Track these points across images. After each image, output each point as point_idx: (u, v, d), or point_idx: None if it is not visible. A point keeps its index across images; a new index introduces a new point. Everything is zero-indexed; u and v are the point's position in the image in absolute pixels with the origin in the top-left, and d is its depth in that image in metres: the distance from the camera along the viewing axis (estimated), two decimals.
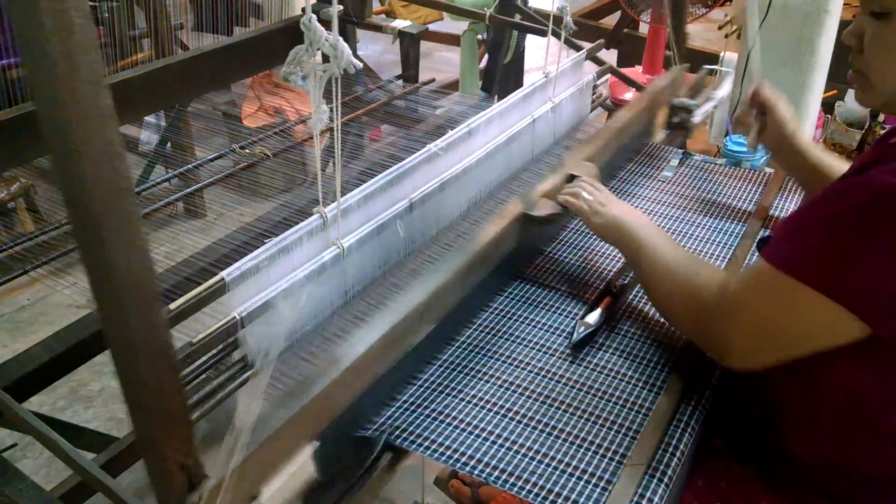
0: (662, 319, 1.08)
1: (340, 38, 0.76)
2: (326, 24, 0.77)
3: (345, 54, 0.77)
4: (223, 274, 0.84)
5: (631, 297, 1.15)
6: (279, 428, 0.74)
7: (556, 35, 1.47)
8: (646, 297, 1.12)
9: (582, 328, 1.04)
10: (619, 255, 1.20)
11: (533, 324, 1.09)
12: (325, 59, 0.78)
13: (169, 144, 2.60)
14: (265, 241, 0.91)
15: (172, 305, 0.80)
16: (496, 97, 2.61)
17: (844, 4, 2.20)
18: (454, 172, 1.16)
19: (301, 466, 0.77)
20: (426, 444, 0.88)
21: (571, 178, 1.20)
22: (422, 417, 0.92)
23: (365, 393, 0.87)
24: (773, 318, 0.83)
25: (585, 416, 0.93)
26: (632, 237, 1.05)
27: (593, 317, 1.06)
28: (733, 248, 1.27)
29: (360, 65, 0.79)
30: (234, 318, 0.83)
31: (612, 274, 1.18)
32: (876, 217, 0.74)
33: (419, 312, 0.92)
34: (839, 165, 1.19)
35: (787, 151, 1.27)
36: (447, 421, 0.92)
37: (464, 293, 1.02)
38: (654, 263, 1.00)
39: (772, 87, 1.32)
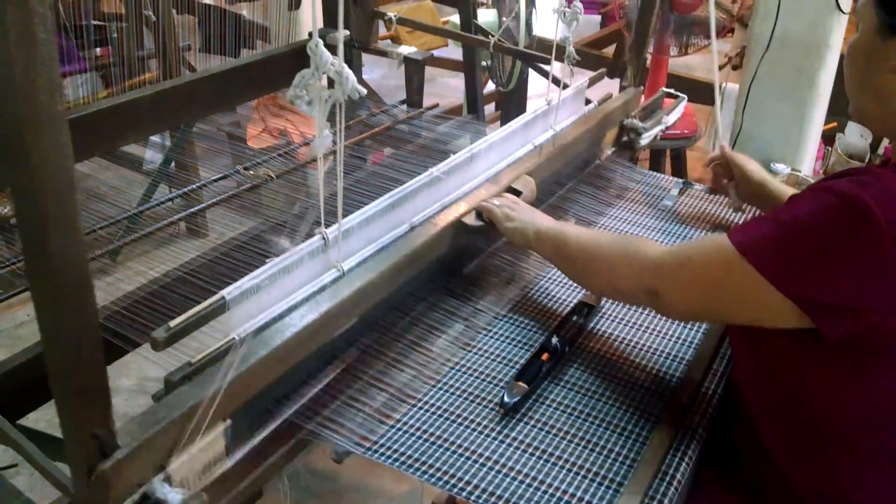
0: (658, 351, 1.08)
1: (345, 66, 0.77)
2: (333, 48, 0.78)
3: (349, 81, 0.78)
4: (224, 293, 0.84)
5: (597, 331, 1.12)
6: (192, 405, 0.76)
7: (560, 57, 1.49)
8: (623, 339, 1.11)
9: (515, 390, 0.97)
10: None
11: (516, 366, 1.05)
12: (331, 83, 0.80)
13: (173, 164, 2.61)
14: (266, 261, 0.91)
15: (173, 322, 0.80)
16: (498, 122, 2.63)
17: (845, 40, 2.23)
18: (455, 197, 1.17)
19: (211, 442, 0.79)
20: (423, 468, 0.88)
21: (511, 191, 1.24)
22: (420, 441, 0.92)
23: (280, 378, 0.89)
24: (714, 283, 0.88)
25: (583, 443, 0.93)
26: (546, 231, 1.10)
27: (527, 377, 1.00)
28: None
29: (364, 91, 0.80)
30: (234, 338, 0.83)
31: (562, 312, 1.16)
32: (835, 224, 0.78)
33: (345, 305, 0.94)
34: None
35: (766, 201, 1.34)
36: (444, 445, 0.91)
37: (391, 290, 1.04)
38: (579, 243, 1.05)
39: (728, 148, 1.43)
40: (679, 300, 0.93)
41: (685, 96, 1.80)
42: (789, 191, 1.30)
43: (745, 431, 0.98)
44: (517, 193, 1.25)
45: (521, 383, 0.99)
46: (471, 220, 1.17)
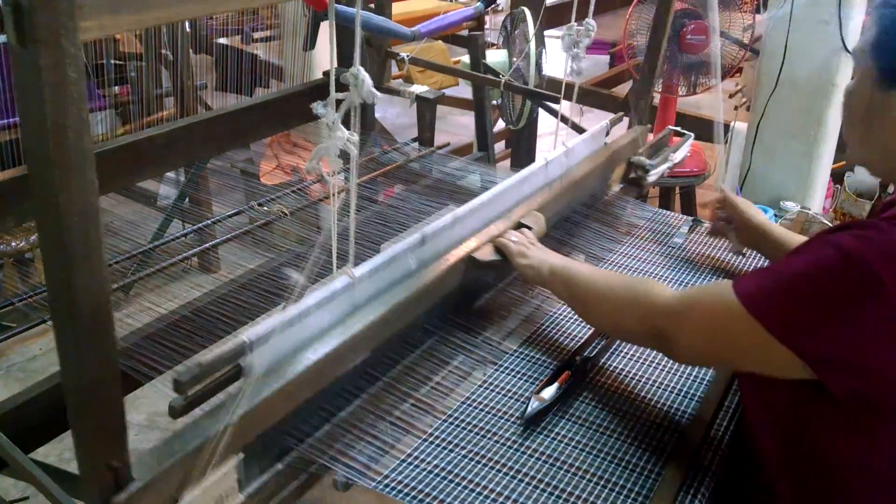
0: (668, 387, 1.08)
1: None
2: (345, 88, 0.80)
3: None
4: (245, 336, 0.85)
5: (608, 367, 1.13)
6: (207, 438, 0.77)
7: (568, 94, 1.51)
8: (646, 359, 1.12)
9: (536, 403, 1.02)
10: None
11: (539, 384, 1.08)
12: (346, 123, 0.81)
13: (187, 199, 2.65)
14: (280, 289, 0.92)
15: (190, 392, 0.80)
16: (508, 160, 2.66)
17: (852, 79, 2.25)
18: (467, 209, 1.19)
19: (224, 475, 0.79)
20: (428, 500, 0.88)
21: (520, 227, 1.25)
22: (431, 476, 0.92)
23: (293, 412, 0.89)
24: (718, 333, 0.88)
25: (595, 479, 0.92)
26: (558, 270, 1.11)
27: (548, 392, 1.04)
28: None
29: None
30: (244, 341, 0.83)
31: (574, 347, 1.17)
32: (837, 280, 0.77)
33: (355, 342, 0.95)
34: None
35: (765, 245, 1.34)
36: (455, 480, 0.91)
37: (400, 326, 1.04)
38: (588, 284, 1.06)
39: (729, 191, 1.43)
40: (684, 345, 0.93)
41: (692, 134, 1.82)
42: (790, 236, 1.30)
43: (757, 478, 0.97)
44: (527, 229, 1.26)
45: (541, 396, 1.03)
46: (486, 255, 1.18)
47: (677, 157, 1.74)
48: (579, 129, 1.71)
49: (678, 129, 1.82)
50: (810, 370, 0.80)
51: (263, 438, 0.86)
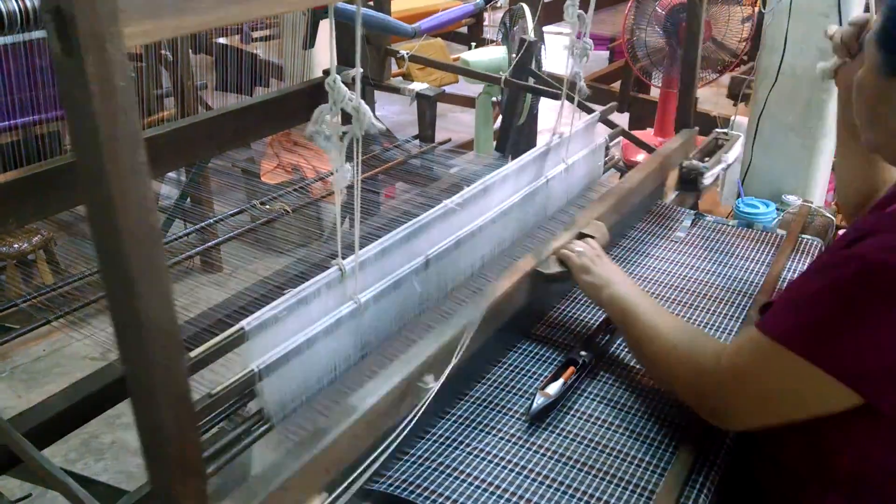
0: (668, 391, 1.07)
1: (363, 101, 0.79)
2: (347, 85, 0.80)
3: (366, 116, 0.80)
4: (243, 323, 0.85)
5: (613, 361, 1.13)
6: (288, 478, 0.75)
7: (570, 98, 1.51)
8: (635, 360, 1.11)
9: (541, 399, 1.02)
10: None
11: (544, 380, 1.09)
12: (346, 118, 0.81)
13: (189, 199, 2.65)
14: (283, 293, 0.92)
15: (193, 353, 0.81)
16: (510, 157, 2.66)
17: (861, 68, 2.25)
18: (470, 230, 1.18)
19: None
20: (439, 500, 0.88)
21: (582, 237, 1.22)
22: (435, 473, 0.92)
23: (375, 446, 0.87)
24: (768, 386, 0.85)
25: (600, 474, 0.92)
26: (619, 298, 1.06)
27: (553, 388, 1.03)
28: (746, 308, 1.27)
29: (382, 126, 0.82)
30: (253, 370, 0.84)
31: (578, 343, 1.16)
32: (867, 291, 0.77)
33: (430, 366, 0.93)
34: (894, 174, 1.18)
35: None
36: (461, 477, 0.91)
37: (475, 348, 1.03)
38: (643, 327, 1.02)
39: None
40: (738, 412, 0.90)
41: (740, 134, 1.82)
42: None
43: (767, 471, 0.97)
44: (591, 239, 1.24)
45: (546, 391, 1.02)
46: (551, 267, 1.16)
47: (731, 156, 1.73)
48: (588, 110, 1.70)
49: (725, 130, 1.83)
50: (856, 395, 0.78)
51: (346, 476, 0.84)
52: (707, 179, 1.66)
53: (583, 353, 1.11)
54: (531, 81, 2.27)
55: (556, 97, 1.84)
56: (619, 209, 1.40)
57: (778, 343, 0.81)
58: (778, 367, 0.82)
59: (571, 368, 1.08)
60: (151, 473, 0.63)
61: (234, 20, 0.66)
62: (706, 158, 1.72)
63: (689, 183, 1.68)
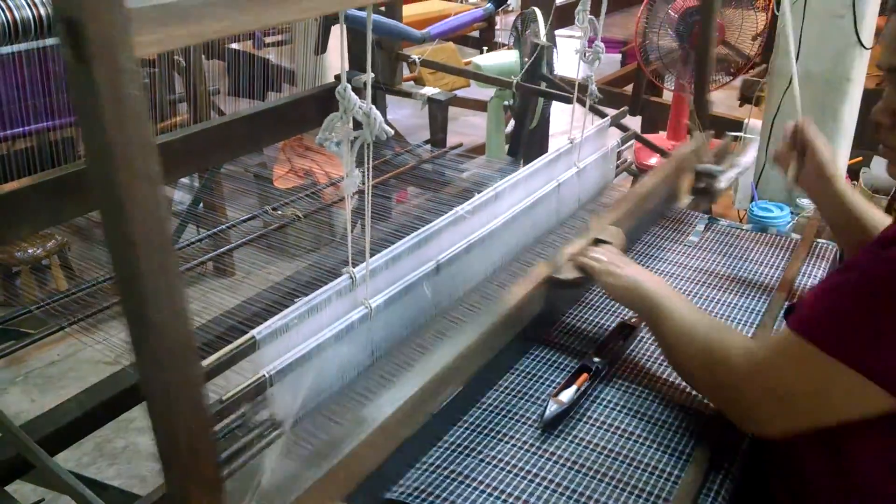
0: (687, 388, 1.07)
1: (373, 107, 0.79)
2: (359, 91, 0.80)
3: (377, 122, 0.80)
4: (254, 332, 0.85)
5: (626, 368, 1.12)
6: (307, 489, 0.75)
7: (581, 102, 1.51)
8: (664, 360, 1.10)
9: (554, 406, 1.00)
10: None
11: (557, 386, 1.08)
12: (358, 124, 0.81)
13: (201, 205, 2.66)
14: (294, 300, 0.92)
15: (205, 362, 0.81)
16: (522, 161, 2.65)
17: (868, 74, 2.23)
18: (481, 235, 1.18)
19: None
20: None
21: (598, 243, 1.21)
22: (447, 481, 0.92)
23: (392, 454, 0.87)
24: (798, 388, 0.82)
25: (613, 482, 0.92)
26: (649, 296, 1.04)
27: (567, 395, 1.02)
28: (760, 314, 1.26)
29: (392, 132, 0.82)
30: (264, 376, 0.84)
31: (592, 349, 1.14)
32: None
33: (446, 374, 0.93)
34: (879, 216, 1.18)
35: (824, 196, 1.24)
36: (473, 485, 0.91)
37: (490, 355, 1.02)
38: (673, 324, 1.00)
39: (812, 125, 1.28)
40: (762, 412, 0.87)
41: (756, 137, 1.80)
42: (859, 198, 1.21)
43: (782, 478, 0.95)
44: (609, 245, 1.23)
45: (560, 398, 1.01)
46: (566, 273, 1.15)
47: (745, 160, 1.71)
48: (601, 113, 1.70)
49: (738, 134, 1.81)
50: (890, 398, 0.75)
51: (363, 485, 0.84)
52: (722, 183, 1.64)
53: (596, 359, 1.10)
54: (543, 86, 2.26)
55: (567, 101, 1.84)
56: (634, 213, 1.39)
57: (808, 341, 0.79)
58: (807, 367, 0.80)
59: (585, 375, 1.07)
60: (168, 482, 0.63)
61: (244, 29, 0.66)
62: (720, 162, 1.70)
63: (704, 187, 1.66)
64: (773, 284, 1.35)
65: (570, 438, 0.99)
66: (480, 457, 0.95)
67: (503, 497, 0.89)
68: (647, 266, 1.41)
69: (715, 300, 1.30)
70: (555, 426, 1.00)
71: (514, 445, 0.97)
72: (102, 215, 0.53)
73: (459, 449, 0.97)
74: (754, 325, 1.23)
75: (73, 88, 0.50)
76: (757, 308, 1.28)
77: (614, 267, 1.11)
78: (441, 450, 0.97)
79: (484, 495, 0.89)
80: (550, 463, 0.95)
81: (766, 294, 1.32)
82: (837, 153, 2.28)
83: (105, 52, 0.47)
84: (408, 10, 2.68)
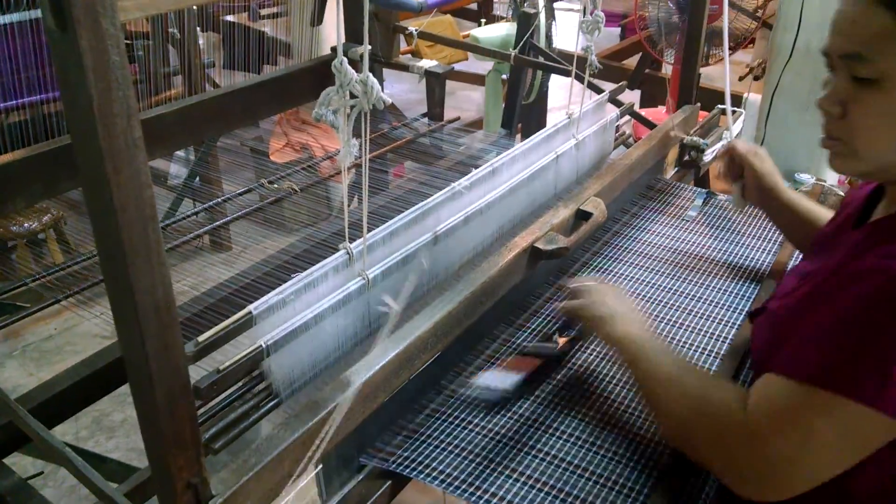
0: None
1: (371, 75, 0.78)
2: (355, 63, 0.79)
3: (375, 90, 0.79)
4: (251, 307, 0.85)
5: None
6: (283, 449, 0.76)
7: (580, 76, 1.50)
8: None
9: (482, 381, 1.00)
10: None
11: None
12: (354, 97, 0.80)
13: (198, 178, 2.65)
14: (291, 273, 0.92)
15: (201, 337, 0.81)
16: (519, 135, 2.64)
17: None
18: (478, 206, 1.18)
19: (304, 488, 0.79)
20: (433, 473, 0.89)
21: (581, 214, 1.22)
22: (427, 447, 0.93)
23: (370, 418, 0.88)
24: (809, 441, 0.73)
25: (602, 451, 0.93)
26: (632, 346, 0.93)
27: (507, 380, 1.00)
28: (757, 289, 1.27)
29: (389, 100, 0.81)
30: (261, 346, 0.83)
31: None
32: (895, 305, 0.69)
33: (425, 339, 0.94)
34: (825, 214, 1.16)
35: (770, 206, 1.28)
36: (455, 451, 0.92)
37: (467, 323, 1.02)
38: (663, 374, 0.88)
39: (747, 143, 1.33)
40: (775, 467, 0.75)
41: (743, 111, 1.78)
42: (801, 201, 1.22)
43: None
44: (587, 215, 1.23)
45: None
46: (553, 244, 1.14)
47: (732, 133, 1.70)
48: (598, 89, 1.68)
49: (727, 107, 1.78)
50: None
51: (341, 449, 0.85)
52: (707, 156, 1.64)
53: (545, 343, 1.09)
54: (540, 58, 2.24)
55: (566, 74, 1.82)
56: (619, 185, 1.39)
57: (812, 385, 0.72)
58: (813, 414, 0.72)
59: (535, 361, 1.05)
60: (147, 442, 0.64)
61: None
62: (707, 135, 1.70)
63: (690, 159, 1.66)
64: (768, 260, 1.35)
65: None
66: (457, 421, 0.97)
67: (477, 460, 0.91)
68: (645, 241, 1.41)
69: (709, 273, 1.30)
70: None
71: (495, 440, 0.95)
72: (84, 183, 0.53)
73: (437, 414, 0.99)
74: (743, 304, 1.23)
75: (56, 56, 0.49)
76: (751, 281, 1.28)
77: (600, 307, 1.00)
78: (421, 416, 0.98)
79: (459, 458, 0.91)
80: (518, 424, 0.97)
81: (762, 267, 1.32)
82: None
83: (87, 18, 0.47)
84: None
